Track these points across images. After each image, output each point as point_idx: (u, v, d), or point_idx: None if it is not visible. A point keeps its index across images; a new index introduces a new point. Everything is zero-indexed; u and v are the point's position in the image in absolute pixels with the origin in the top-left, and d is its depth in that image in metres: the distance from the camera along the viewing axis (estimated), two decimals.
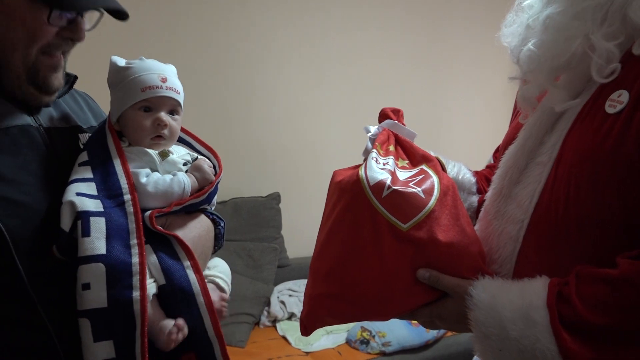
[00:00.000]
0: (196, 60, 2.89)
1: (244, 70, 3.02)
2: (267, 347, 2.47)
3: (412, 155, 0.93)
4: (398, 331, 2.53)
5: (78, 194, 0.81)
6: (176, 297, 0.83)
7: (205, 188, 0.95)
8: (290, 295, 2.83)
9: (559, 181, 0.76)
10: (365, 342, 2.50)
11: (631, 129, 0.68)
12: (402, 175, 0.87)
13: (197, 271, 0.85)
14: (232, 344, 2.44)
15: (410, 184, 0.83)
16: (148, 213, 0.85)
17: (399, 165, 0.89)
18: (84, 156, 0.88)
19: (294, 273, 3.00)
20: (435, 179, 0.85)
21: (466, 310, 0.77)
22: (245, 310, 2.60)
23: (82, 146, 0.92)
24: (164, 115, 0.93)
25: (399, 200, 0.80)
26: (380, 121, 0.97)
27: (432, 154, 0.94)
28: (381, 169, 0.84)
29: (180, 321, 0.82)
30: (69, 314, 0.78)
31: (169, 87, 0.94)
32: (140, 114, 0.92)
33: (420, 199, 0.81)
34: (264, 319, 2.71)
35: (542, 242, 0.77)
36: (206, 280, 0.93)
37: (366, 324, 2.56)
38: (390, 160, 0.87)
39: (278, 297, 2.80)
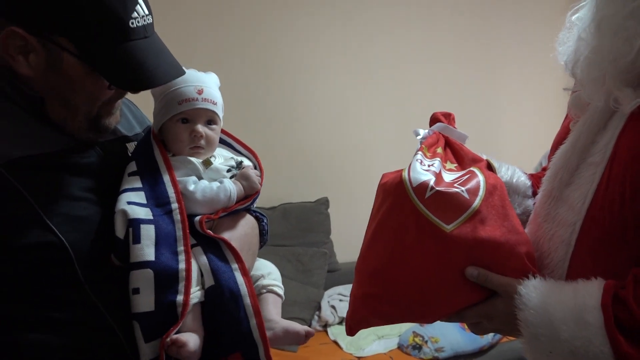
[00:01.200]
0: (241, 66, 2.94)
1: (291, 75, 3.05)
2: (318, 351, 2.48)
3: (461, 158, 0.92)
4: (451, 336, 2.48)
5: (129, 203, 0.85)
6: (224, 298, 0.85)
7: (251, 196, 0.98)
8: (340, 300, 2.83)
9: (613, 181, 0.73)
10: (417, 347, 2.47)
11: None
12: (448, 177, 0.86)
13: (245, 274, 0.88)
14: (284, 349, 2.46)
15: (455, 185, 0.82)
16: (198, 218, 0.89)
17: (447, 168, 0.88)
18: (132, 166, 0.92)
19: (344, 278, 2.99)
20: (481, 178, 0.84)
21: (515, 310, 0.75)
22: (296, 314, 2.61)
23: (130, 155, 0.96)
24: (200, 127, 0.96)
25: (442, 201, 0.80)
26: (431, 125, 0.97)
27: (484, 157, 0.93)
28: (425, 170, 0.84)
29: (181, 337, 0.82)
30: (130, 316, 0.83)
31: (205, 99, 0.96)
32: (178, 126, 0.96)
33: (464, 199, 0.80)
34: (315, 324, 2.72)
35: (596, 246, 0.75)
36: (265, 290, 0.98)
37: (419, 329, 2.52)
38: (437, 162, 0.87)
39: (328, 302, 2.80)
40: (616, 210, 0.72)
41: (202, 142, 0.96)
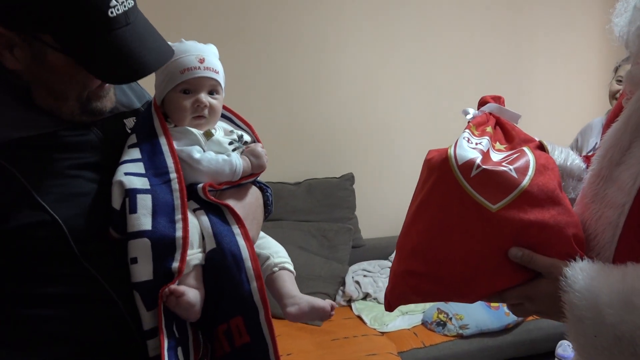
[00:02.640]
0: (265, 41, 2.92)
1: (316, 48, 3.02)
2: (342, 325, 2.50)
3: (512, 139, 0.89)
4: (476, 314, 2.47)
5: (126, 174, 0.86)
6: (226, 261, 0.86)
7: (257, 172, 0.98)
8: (364, 276, 2.84)
9: None
10: (441, 324, 2.47)
11: None
12: (497, 156, 0.84)
13: (247, 238, 0.88)
14: (308, 322, 2.49)
15: (503, 163, 0.80)
16: (201, 185, 0.90)
17: (496, 148, 0.86)
18: (132, 138, 0.92)
19: (368, 253, 3.01)
20: (531, 157, 0.82)
21: (560, 292, 0.73)
22: (320, 289, 2.63)
23: (128, 130, 0.96)
24: (203, 96, 0.95)
25: (488, 180, 0.78)
26: (479, 109, 0.96)
27: (537, 138, 0.90)
28: (472, 148, 0.82)
29: (179, 287, 0.82)
30: (130, 286, 0.84)
31: (207, 67, 0.95)
32: (180, 96, 0.95)
33: (512, 178, 0.78)
34: (339, 299, 2.74)
35: None
36: (277, 268, 0.99)
37: (443, 305, 2.52)
38: (485, 140, 0.85)
39: (353, 277, 2.81)
40: None
41: (206, 111, 0.95)
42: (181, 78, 0.94)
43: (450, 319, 2.47)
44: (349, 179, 3.02)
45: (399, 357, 2.26)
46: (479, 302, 2.46)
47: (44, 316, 0.79)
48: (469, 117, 0.92)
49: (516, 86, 3.41)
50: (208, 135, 0.95)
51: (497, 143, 0.88)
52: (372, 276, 2.84)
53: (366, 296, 2.76)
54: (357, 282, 2.79)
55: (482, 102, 0.95)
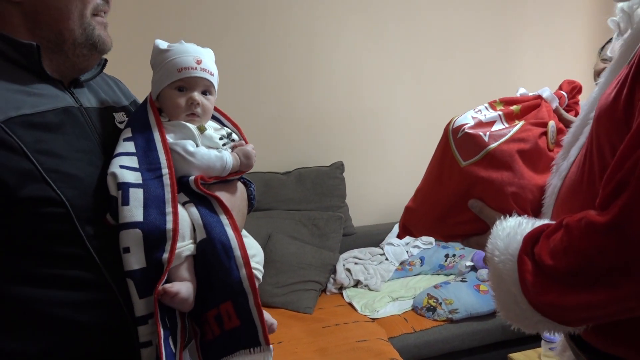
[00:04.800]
0: (252, 31, 2.91)
1: (302, 36, 3.01)
2: (334, 313, 2.52)
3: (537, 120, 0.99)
4: (465, 298, 2.51)
5: (121, 167, 0.90)
6: (216, 250, 0.90)
7: (244, 170, 1.05)
8: (355, 263, 2.86)
9: (589, 137, 0.77)
10: (431, 309, 2.50)
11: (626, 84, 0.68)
12: (498, 126, 0.95)
13: (235, 228, 0.93)
14: (299, 310, 2.52)
15: (487, 131, 0.92)
16: (192, 177, 0.95)
17: (511, 124, 0.96)
18: (127, 132, 0.96)
19: (359, 241, 3.03)
20: (515, 129, 0.94)
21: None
22: (311, 277, 2.66)
23: (117, 124, 1.00)
24: (196, 95, 1.00)
25: (466, 142, 0.92)
26: (559, 89, 1.08)
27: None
28: (473, 117, 0.95)
29: (172, 287, 0.86)
30: (124, 273, 0.87)
31: (203, 69, 1.01)
32: (175, 93, 1.00)
33: (483, 141, 0.91)
34: (330, 286, 2.76)
35: (566, 196, 0.82)
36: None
37: (433, 291, 2.55)
38: (495, 114, 0.96)
39: (344, 265, 2.83)
40: (585, 165, 0.76)
41: (199, 109, 1.01)
42: (178, 76, 0.99)
43: (440, 304, 2.50)
44: (339, 167, 3.03)
45: (390, 342, 2.29)
46: (468, 287, 2.52)
47: (38, 297, 0.81)
48: (518, 93, 1.04)
49: (506, 73, 3.42)
50: (201, 129, 1.00)
51: (516, 120, 0.97)
52: (363, 263, 2.86)
53: (357, 283, 2.79)
54: (348, 270, 2.81)
55: (561, 85, 1.08)
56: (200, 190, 0.94)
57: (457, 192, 0.94)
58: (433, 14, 3.22)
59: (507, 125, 0.94)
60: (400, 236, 1.12)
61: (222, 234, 0.91)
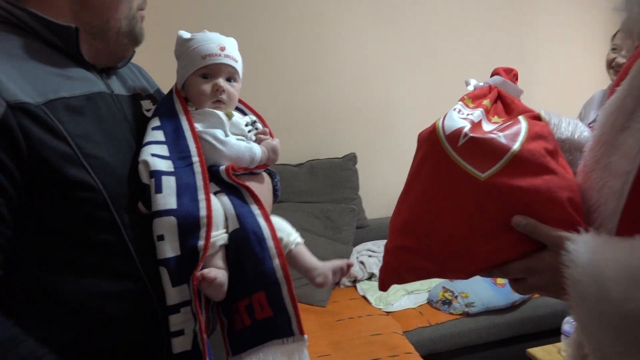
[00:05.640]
0: (261, 21, 2.88)
1: (313, 27, 2.97)
2: (347, 306, 2.49)
3: (511, 111, 0.86)
4: (482, 292, 2.46)
5: (152, 155, 0.90)
6: (249, 240, 0.90)
7: (267, 164, 1.04)
8: (369, 256, 2.82)
9: None
10: (447, 302, 2.46)
11: None
12: (489, 127, 0.81)
13: (267, 219, 0.93)
14: (313, 304, 2.49)
15: (493, 131, 0.77)
16: (223, 167, 0.95)
17: (492, 121, 0.83)
18: (155, 121, 0.96)
19: (373, 233, 2.99)
20: (524, 124, 0.78)
21: (562, 267, 0.69)
22: None
23: (144, 112, 1.00)
24: (221, 81, 1.01)
25: (476, 148, 0.75)
26: None
27: (540, 112, 0.86)
28: (462, 118, 0.79)
29: (210, 273, 0.86)
30: (157, 263, 0.87)
31: (227, 55, 1.01)
32: (200, 80, 1.01)
33: (501, 144, 0.75)
34: (344, 279, 2.73)
35: None
36: (294, 245, 1.03)
37: (448, 284, 2.51)
38: (478, 111, 0.81)
39: (357, 258, 2.80)
40: None
41: (224, 96, 1.00)
42: (202, 63, 0.99)
43: (456, 297, 2.45)
44: (352, 159, 3.00)
45: (404, 336, 2.26)
46: (485, 280, 2.46)
47: (70, 286, 0.80)
48: (469, 87, 0.89)
49: (519, 60, 3.35)
50: (229, 115, 1.00)
51: (495, 116, 0.85)
52: (377, 256, 2.82)
53: (371, 276, 2.75)
54: (362, 263, 2.78)
55: (494, 74, 0.92)
56: (231, 180, 0.94)
57: (484, 213, 0.74)
58: (447, 4, 3.16)
59: (500, 122, 0.83)
60: (384, 288, 0.88)
61: (255, 224, 0.91)
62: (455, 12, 3.18)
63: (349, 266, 1.03)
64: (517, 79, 0.92)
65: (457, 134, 0.76)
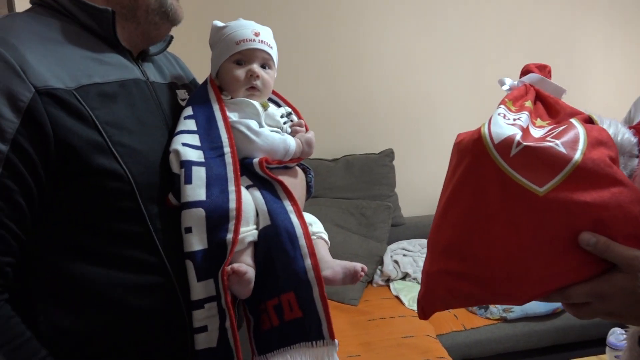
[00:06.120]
0: (302, 12, 2.84)
1: (354, 19, 2.92)
2: (380, 306, 2.44)
3: (557, 113, 0.78)
4: None
5: (184, 144, 0.87)
6: (281, 237, 0.87)
7: (301, 158, 1.01)
8: (404, 255, 2.76)
9: None
10: (484, 306, 2.37)
11: None
12: (538, 132, 0.73)
13: (300, 216, 0.90)
14: (344, 302, 2.44)
15: (547, 138, 0.69)
16: (257, 159, 0.92)
17: (537, 125, 0.75)
18: (188, 110, 0.94)
19: (409, 232, 2.92)
20: (580, 129, 0.70)
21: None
22: None
23: (179, 101, 0.98)
24: (256, 67, 0.98)
25: (532, 159, 0.67)
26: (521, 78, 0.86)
27: (586, 112, 0.78)
28: (510, 124, 0.70)
29: (241, 267, 0.84)
30: (183, 256, 0.85)
31: (261, 41, 0.99)
32: (234, 66, 0.98)
33: (561, 154, 0.66)
34: (377, 278, 2.67)
35: None
36: (315, 237, 0.98)
37: None
38: (524, 115, 0.73)
39: (391, 257, 2.74)
40: None
41: (258, 82, 0.98)
42: (236, 49, 0.97)
43: None
44: (389, 154, 2.94)
45: (438, 340, 2.19)
46: None
47: (94, 275, 0.80)
48: (505, 88, 0.82)
49: (567, 57, 3.20)
50: (265, 105, 0.98)
51: (538, 119, 0.77)
52: (412, 255, 2.76)
53: (405, 276, 2.69)
54: (396, 262, 2.71)
55: (525, 72, 0.84)
56: (264, 174, 0.91)
57: (543, 232, 0.66)
58: None
59: (545, 125, 0.75)
60: (426, 316, 0.79)
61: (287, 221, 0.89)
62: (500, 4, 3.07)
63: (363, 270, 0.97)
64: (550, 75, 0.84)
65: (508, 142, 0.68)
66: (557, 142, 0.67)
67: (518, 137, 0.67)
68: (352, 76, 2.98)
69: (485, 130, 0.70)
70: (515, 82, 0.83)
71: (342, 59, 2.95)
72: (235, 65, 0.98)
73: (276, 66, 1.03)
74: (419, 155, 3.11)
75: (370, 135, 3.03)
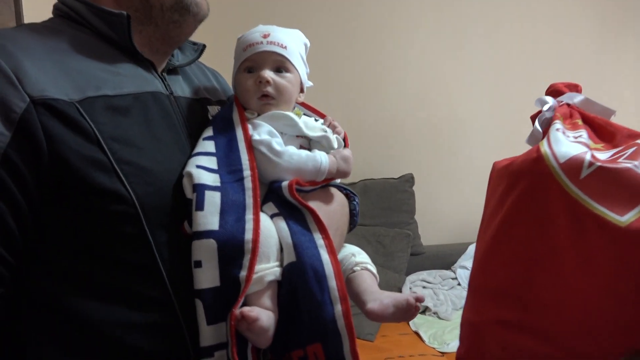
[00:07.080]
0: (322, 29, 2.83)
1: (373, 38, 2.90)
2: (397, 342, 2.31)
3: (611, 136, 0.67)
4: None
5: (198, 167, 0.78)
6: (306, 277, 0.75)
7: (337, 176, 0.88)
8: (424, 287, 2.65)
9: None
10: None
11: None
12: (602, 155, 0.61)
13: (332, 252, 0.77)
14: (360, 337, 2.30)
15: (620, 159, 0.58)
16: (286, 183, 0.80)
17: (591, 147, 0.64)
18: (209, 131, 0.85)
19: (428, 262, 2.82)
20: None
21: None
22: None
23: (210, 118, 0.90)
24: (264, 72, 0.87)
25: (608, 182, 0.57)
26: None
27: None
28: (573, 142, 0.61)
29: (251, 312, 0.71)
30: (193, 293, 0.75)
31: (271, 42, 0.88)
32: (244, 75, 0.89)
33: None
34: None
35: None
36: (360, 268, 0.88)
37: None
38: (584, 133, 0.64)
39: (410, 288, 2.62)
40: None
41: (270, 89, 0.86)
42: (244, 55, 0.89)
43: None
44: (409, 180, 2.87)
45: None
46: None
47: (91, 311, 0.72)
48: (546, 108, 0.72)
49: (598, 85, 3.09)
50: (298, 114, 0.89)
51: (591, 142, 0.67)
52: (433, 288, 2.64)
53: (425, 310, 2.56)
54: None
55: (553, 90, 0.76)
56: (294, 199, 0.79)
57: (628, 271, 0.56)
58: (517, 15, 3.01)
59: (601, 147, 0.67)
60: None
61: (315, 258, 0.76)
62: (527, 28, 3.03)
63: (419, 301, 0.80)
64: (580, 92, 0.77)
65: (576, 162, 0.57)
66: (636, 163, 0.56)
67: (589, 157, 0.58)
68: (372, 97, 2.95)
69: (545, 148, 0.60)
70: (554, 102, 0.75)
71: (362, 79, 2.93)
72: (246, 74, 0.88)
73: (301, 67, 0.92)
74: (441, 181, 3.05)
75: (389, 159, 2.98)
